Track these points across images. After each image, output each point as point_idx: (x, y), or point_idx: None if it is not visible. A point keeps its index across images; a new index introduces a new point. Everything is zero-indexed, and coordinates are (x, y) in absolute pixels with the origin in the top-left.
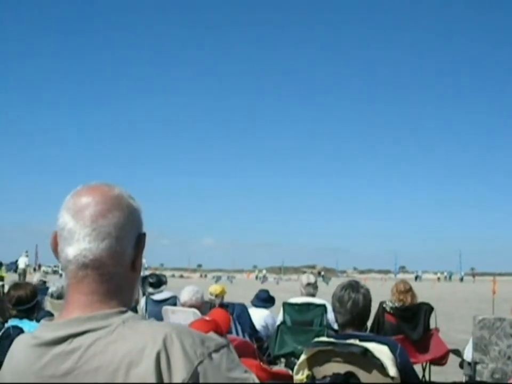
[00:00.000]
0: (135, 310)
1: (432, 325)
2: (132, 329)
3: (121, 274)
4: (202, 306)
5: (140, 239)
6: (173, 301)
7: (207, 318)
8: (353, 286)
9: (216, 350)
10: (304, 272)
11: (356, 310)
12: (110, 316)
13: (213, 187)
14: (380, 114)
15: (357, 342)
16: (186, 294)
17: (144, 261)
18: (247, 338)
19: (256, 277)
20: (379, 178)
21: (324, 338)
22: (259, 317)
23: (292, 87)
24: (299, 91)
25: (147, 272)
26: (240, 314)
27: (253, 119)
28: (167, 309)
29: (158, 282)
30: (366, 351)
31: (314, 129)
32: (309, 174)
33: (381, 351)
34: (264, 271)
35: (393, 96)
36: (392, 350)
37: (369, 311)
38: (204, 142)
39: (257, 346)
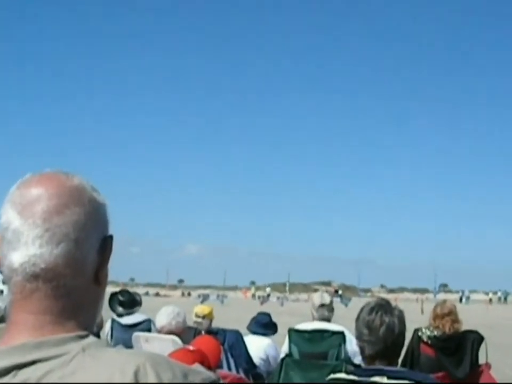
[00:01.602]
0: (98, 337)
1: (481, 360)
2: (95, 359)
3: (82, 288)
4: (184, 332)
5: (106, 243)
6: (146, 325)
7: (190, 347)
8: (385, 307)
9: None
10: (317, 290)
11: (390, 337)
12: (66, 341)
13: (198, 180)
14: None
15: (384, 380)
16: (163, 317)
17: None
18: (242, 375)
19: (253, 296)
20: (414, 171)
21: (342, 375)
22: (258, 347)
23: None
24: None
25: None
26: (233, 343)
27: (253, 108)
28: (138, 336)
29: (131, 301)
30: None
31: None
32: (321, 165)
33: None
34: (268, 289)
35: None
36: None
37: (404, 339)
38: (189, 123)
39: None
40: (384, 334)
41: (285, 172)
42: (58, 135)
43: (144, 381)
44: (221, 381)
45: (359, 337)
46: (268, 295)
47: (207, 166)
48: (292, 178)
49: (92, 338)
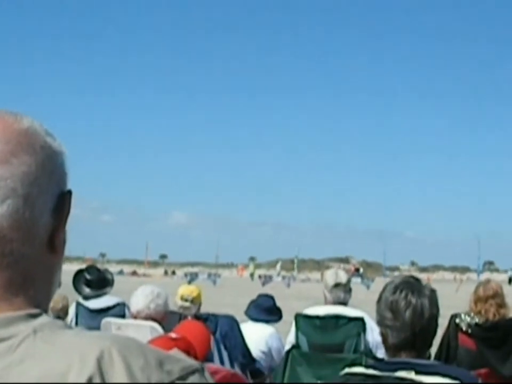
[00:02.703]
0: None
1: None
2: (48, 344)
3: (32, 256)
4: (166, 318)
5: (63, 201)
6: (119, 310)
7: (173, 335)
8: (413, 285)
9: (183, 377)
10: (331, 268)
11: (419, 323)
12: (12, 321)
13: (185, 136)
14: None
15: (412, 375)
16: (140, 300)
17: None
18: (238, 370)
19: (252, 275)
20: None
21: (360, 369)
22: (258, 337)
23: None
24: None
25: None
26: (227, 332)
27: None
28: (109, 322)
29: (100, 281)
30: None
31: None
32: (338, 119)
33: None
34: (278, 267)
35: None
36: None
37: (437, 325)
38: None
39: (254, 383)
40: (411, 319)
41: (293, 126)
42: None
43: (110, 370)
44: (207, 372)
45: (380, 322)
46: (278, 274)
47: (198, 117)
48: (302, 133)
49: (45, 318)
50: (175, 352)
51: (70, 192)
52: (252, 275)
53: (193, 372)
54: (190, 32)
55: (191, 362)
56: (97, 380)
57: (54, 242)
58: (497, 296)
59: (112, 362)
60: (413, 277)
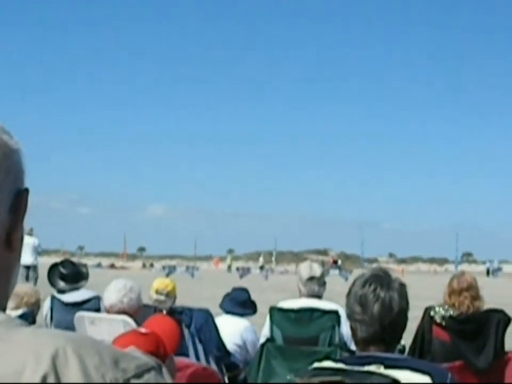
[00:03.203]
0: (31, 319)
1: (508, 346)
2: (3, 342)
3: None
4: (139, 312)
5: (20, 199)
6: (94, 304)
7: (142, 330)
8: (382, 279)
9: (138, 375)
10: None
11: (388, 317)
12: None
13: (163, 128)
14: None
15: (381, 369)
16: (113, 294)
17: (35, 240)
18: (213, 365)
19: (229, 268)
20: (431, 112)
21: (328, 363)
22: (233, 330)
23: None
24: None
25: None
26: (202, 326)
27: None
28: (82, 316)
29: (75, 274)
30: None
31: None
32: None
33: None
34: (261, 260)
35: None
36: (438, 383)
37: (406, 319)
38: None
39: (229, 377)
40: (380, 312)
41: (270, 117)
42: None
43: (64, 368)
44: (164, 370)
45: (350, 316)
46: (262, 267)
47: (175, 109)
48: (279, 125)
49: (1, 316)
50: (132, 350)
51: (27, 190)
52: (229, 267)
53: (149, 370)
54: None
55: (147, 360)
56: (51, 378)
57: (11, 240)
58: (471, 289)
59: (67, 360)
60: (382, 269)
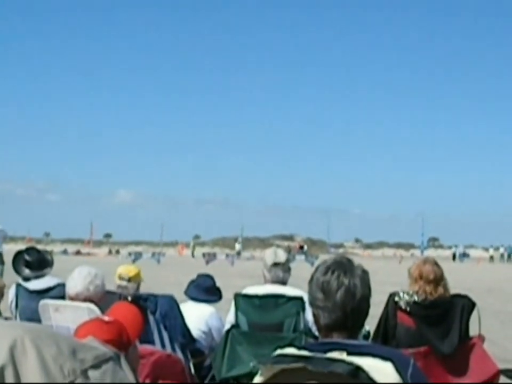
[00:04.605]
0: None
1: (473, 331)
2: None
3: None
4: (104, 299)
5: None
6: (59, 291)
7: (105, 318)
8: (345, 265)
9: (96, 366)
10: (278, 246)
11: (350, 303)
12: None
13: (130, 114)
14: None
15: (343, 356)
16: (77, 281)
17: (0, 227)
18: (178, 351)
19: (193, 254)
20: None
21: (291, 350)
22: (197, 316)
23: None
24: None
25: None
26: (167, 312)
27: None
28: (46, 304)
29: (40, 262)
30: (357, 370)
31: None
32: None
33: (381, 371)
34: (237, 245)
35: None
36: (400, 369)
37: (369, 306)
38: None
39: (194, 363)
40: (343, 299)
41: (239, 102)
42: None
43: (22, 359)
44: (123, 359)
45: (312, 303)
46: (238, 253)
47: (143, 96)
48: (248, 111)
49: None
50: (90, 341)
51: None
52: (192, 253)
53: (107, 360)
54: None
55: (105, 350)
56: (9, 368)
57: None
58: (435, 274)
59: (24, 351)
60: (344, 257)
